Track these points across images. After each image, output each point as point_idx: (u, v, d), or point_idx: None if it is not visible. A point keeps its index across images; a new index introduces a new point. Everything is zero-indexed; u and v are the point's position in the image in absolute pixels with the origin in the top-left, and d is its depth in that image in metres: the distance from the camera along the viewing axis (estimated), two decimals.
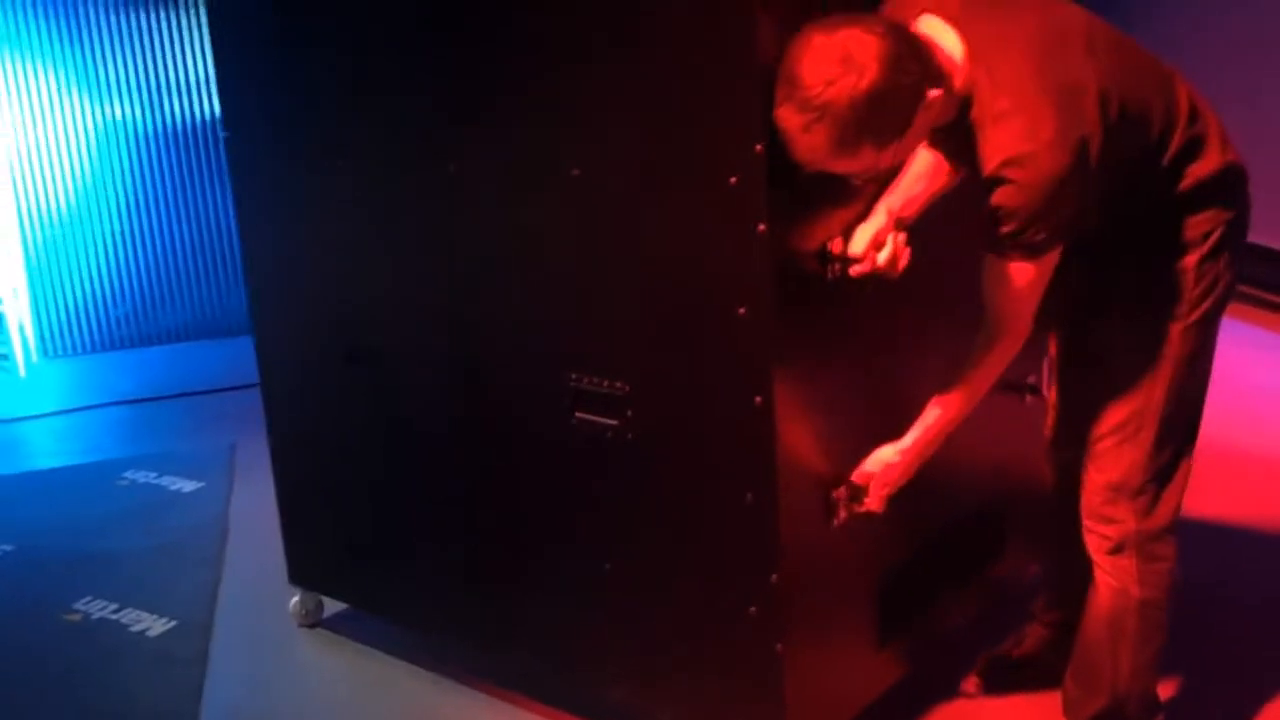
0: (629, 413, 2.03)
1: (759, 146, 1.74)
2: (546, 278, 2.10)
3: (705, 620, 2.05)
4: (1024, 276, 1.78)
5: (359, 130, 2.32)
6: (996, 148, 1.69)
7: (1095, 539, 2.00)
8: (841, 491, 1.99)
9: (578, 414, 2.09)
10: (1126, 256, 1.91)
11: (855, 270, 1.91)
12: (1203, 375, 1.96)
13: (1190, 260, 1.86)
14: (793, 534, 1.93)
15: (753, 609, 1.96)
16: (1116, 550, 1.97)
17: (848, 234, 1.91)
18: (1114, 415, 1.93)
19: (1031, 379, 2.46)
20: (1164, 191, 1.85)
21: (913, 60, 1.64)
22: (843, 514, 2.01)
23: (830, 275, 1.90)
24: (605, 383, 2.04)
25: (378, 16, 2.23)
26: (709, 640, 2.06)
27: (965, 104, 1.73)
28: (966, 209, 2.04)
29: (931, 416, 1.94)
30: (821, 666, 2.07)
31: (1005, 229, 1.73)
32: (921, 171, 1.97)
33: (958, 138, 1.78)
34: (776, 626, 1.95)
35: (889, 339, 2.09)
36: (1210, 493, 3.14)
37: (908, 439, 1.95)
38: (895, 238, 1.91)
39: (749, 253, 1.80)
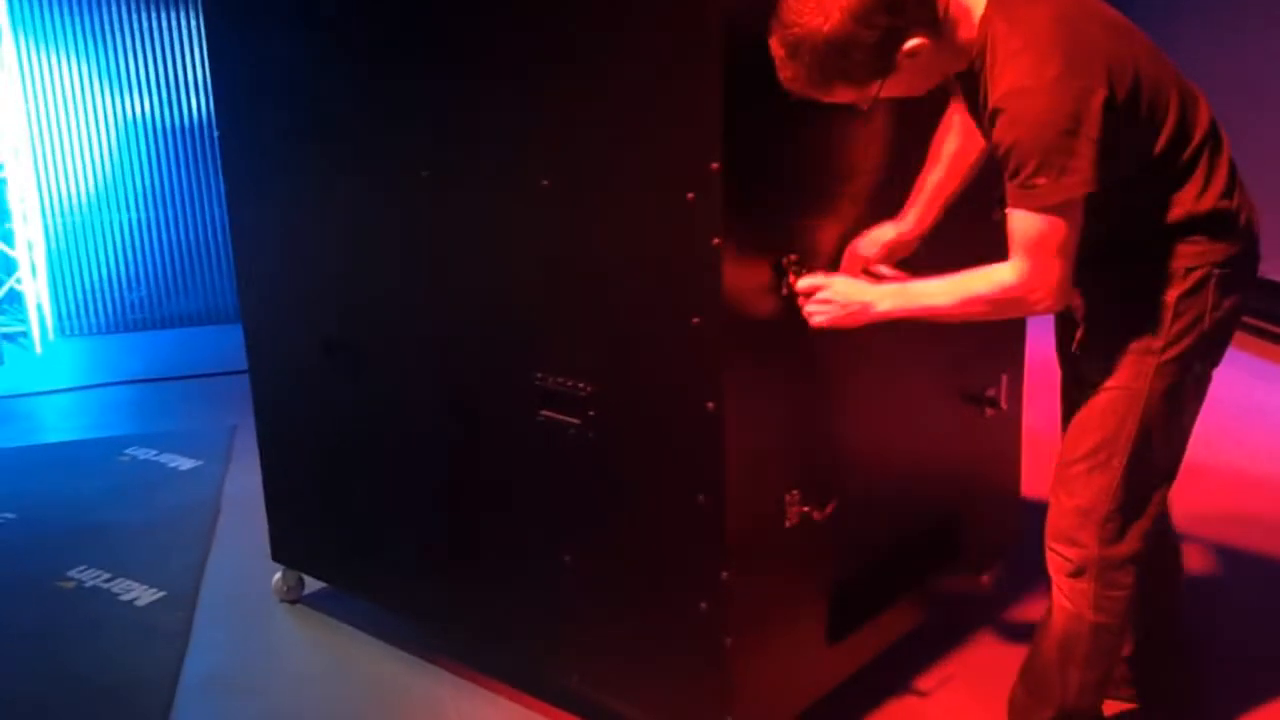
0: (590, 412, 2.11)
1: (715, 165, 1.83)
2: (517, 279, 2.18)
3: (659, 614, 2.12)
4: (1033, 228, 1.73)
5: (345, 133, 2.42)
6: (1002, 80, 1.71)
7: (1057, 560, 2.01)
8: (791, 260, 1.96)
9: (543, 411, 2.18)
10: (1111, 284, 1.92)
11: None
12: (1184, 412, 1.93)
13: (1170, 295, 1.84)
14: (742, 534, 2.01)
15: (703, 604, 2.03)
16: (1076, 574, 1.98)
17: (805, 255, 1.99)
18: (1087, 441, 1.94)
19: (991, 392, 2.52)
20: (1155, 212, 1.84)
21: (883, 13, 1.67)
22: (794, 517, 2.09)
23: (785, 290, 1.98)
24: (569, 383, 2.13)
25: (364, 27, 2.33)
26: (662, 634, 2.13)
27: (981, 56, 1.74)
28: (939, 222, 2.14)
29: (917, 296, 1.89)
30: (770, 661, 2.13)
31: (1008, 169, 1.72)
32: (939, 180, 2.03)
33: (977, 91, 1.79)
34: (726, 622, 2.02)
35: (839, 349, 2.15)
36: (1228, 517, 3.19)
37: (887, 298, 1.90)
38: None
39: (704, 265, 1.88)
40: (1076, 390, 1.99)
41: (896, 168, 2.14)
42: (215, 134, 2.76)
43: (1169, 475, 1.98)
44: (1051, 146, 1.68)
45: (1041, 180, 1.69)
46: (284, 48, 2.50)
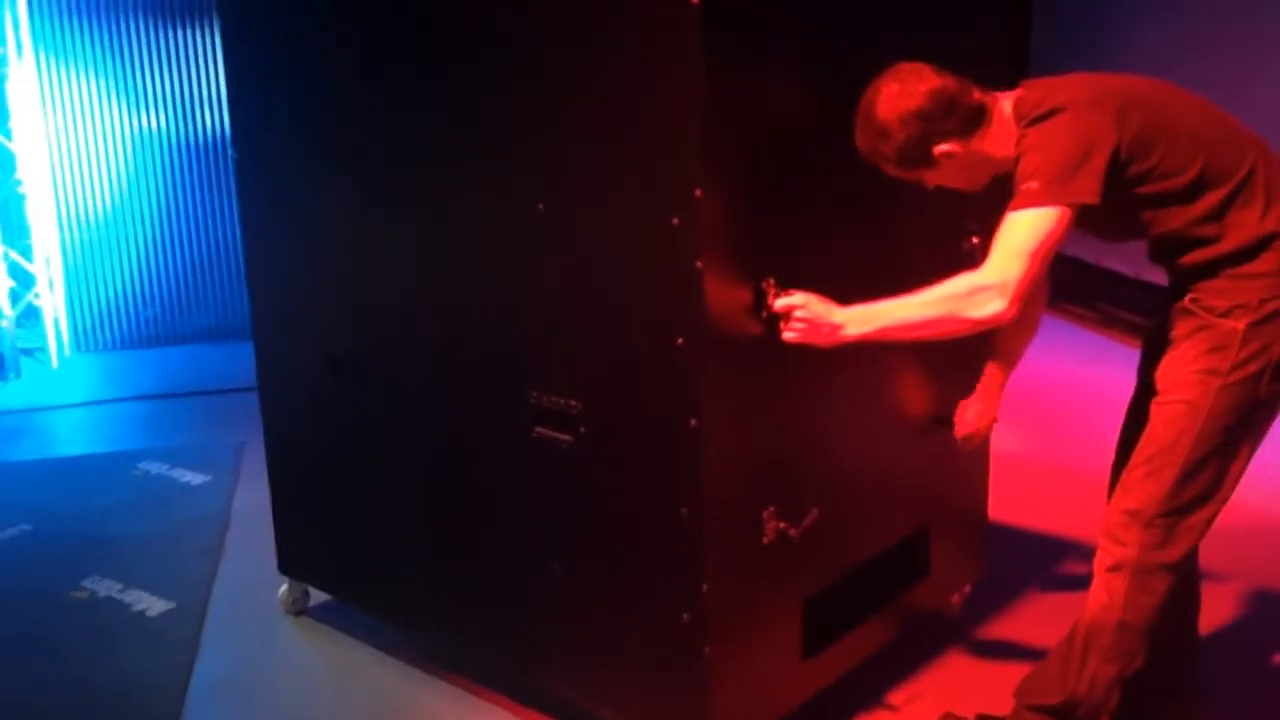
0: (581, 429, 2.18)
1: (698, 192, 1.91)
2: (514, 299, 2.26)
3: (642, 624, 2.19)
4: (1020, 226, 1.90)
5: (352, 158, 2.51)
6: (1030, 121, 1.97)
7: (1101, 554, 2.11)
8: (770, 284, 2.05)
9: (538, 428, 2.25)
10: (1189, 306, 2.02)
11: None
12: (1243, 438, 2.02)
13: (1241, 323, 1.96)
14: (723, 547, 2.08)
15: (685, 615, 2.09)
16: (1115, 569, 2.07)
17: (784, 278, 2.05)
18: (1149, 448, 2.05)
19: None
20: (1223, 236, 1.97)
21: (917, 120, 1.97)
22: (770, 533, 2.14)
23: (765, 313, 2.05)
24: (562, 400, 2.20)
25: (373, 55, 2.42)
26: (645, 643, 2.20)
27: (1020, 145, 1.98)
28: (913, 249, 2.20)
29: (883, 310, 2.01)
30: (747, 672, 2.19)
31: (1017, 182, 1.92)
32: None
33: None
34: (706, 632, 2.08)
35: (819, 370, 2.20)
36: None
37: (855, 320, 2.02)
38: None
39: (687, 287, 1.96)
40: (1146, 399, 2.11)
41: (872, 194, 2.22)
42: (231, 153, 2.85)
43: (1219, 496, 2.05)
44: (1057, 163, 1.90)
45: (1035, 184, 1.91)
46: (296, 73, 2.60)
